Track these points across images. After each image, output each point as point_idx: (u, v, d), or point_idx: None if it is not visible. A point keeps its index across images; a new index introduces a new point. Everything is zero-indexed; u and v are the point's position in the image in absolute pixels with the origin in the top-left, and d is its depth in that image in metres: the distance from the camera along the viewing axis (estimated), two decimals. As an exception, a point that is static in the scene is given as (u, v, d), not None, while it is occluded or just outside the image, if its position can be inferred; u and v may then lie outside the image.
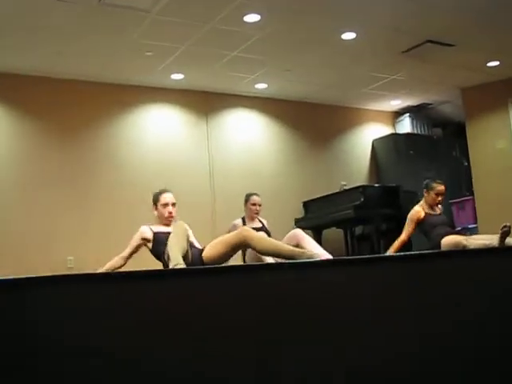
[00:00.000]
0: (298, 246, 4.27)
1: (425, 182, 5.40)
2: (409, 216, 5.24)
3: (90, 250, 6.07)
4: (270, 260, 3.90)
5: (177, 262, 3.19)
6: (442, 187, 5.29)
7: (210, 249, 3.63)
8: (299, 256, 3.29)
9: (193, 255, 3.54)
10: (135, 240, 4.01)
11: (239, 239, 3.52)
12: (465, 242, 4.75)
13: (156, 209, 4.11)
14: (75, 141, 6.49)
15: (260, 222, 5.35)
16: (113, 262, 3.96)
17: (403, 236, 5.18)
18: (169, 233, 3.63)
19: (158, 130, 7.04)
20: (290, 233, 4.49)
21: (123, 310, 1.45)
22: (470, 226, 7.66)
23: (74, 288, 1.42)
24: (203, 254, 3.63)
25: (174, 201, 4.11)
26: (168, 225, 3.97)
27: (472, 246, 4.63)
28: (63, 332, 1.37)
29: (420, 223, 5.21)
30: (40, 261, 5.70)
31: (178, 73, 6.72)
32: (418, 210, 5.23)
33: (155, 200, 4.11)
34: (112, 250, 5.72)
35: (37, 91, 6.34)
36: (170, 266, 3.18)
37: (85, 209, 6.35)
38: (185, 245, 3.42)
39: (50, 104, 6.38)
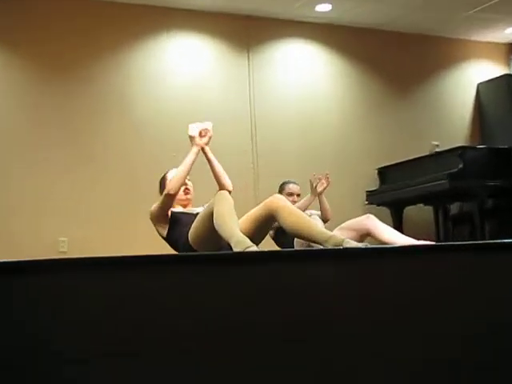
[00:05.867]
0: (368, 235, 4.35)
1: None
2: None
3: (86, 231, 5.97)
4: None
5: (245, 244, 3.08)
6: None
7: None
8: (326, 242, 3.26)
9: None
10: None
11: (265, 211, 3.52)
12: None
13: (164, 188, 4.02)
14: (68, 80, 6.17)
15: None
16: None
17: None
18: (190, 213, 3.73)
19: (182, 67, 6.67)
20: (358, 218, 4.46)
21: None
22: None
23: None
24: None
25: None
26: (186, 205, 3.92)
27: None
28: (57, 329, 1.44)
29: None
30: (25, 243, 5.64)
31: (209, -12, 6.27)
32: None
33: (162, 181, 4.01)
34: (114, 231, 6.04)
35: (22, 10, 5.92)
36: (235, 250, 3.09)
37: (80, 177, 6.09)
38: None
39: (39, 29, 6.03)
